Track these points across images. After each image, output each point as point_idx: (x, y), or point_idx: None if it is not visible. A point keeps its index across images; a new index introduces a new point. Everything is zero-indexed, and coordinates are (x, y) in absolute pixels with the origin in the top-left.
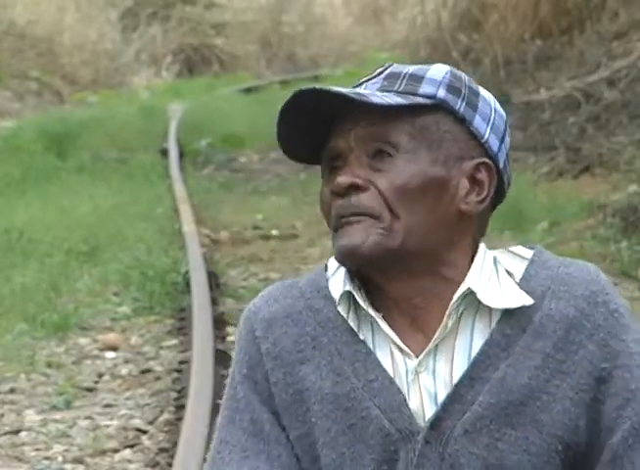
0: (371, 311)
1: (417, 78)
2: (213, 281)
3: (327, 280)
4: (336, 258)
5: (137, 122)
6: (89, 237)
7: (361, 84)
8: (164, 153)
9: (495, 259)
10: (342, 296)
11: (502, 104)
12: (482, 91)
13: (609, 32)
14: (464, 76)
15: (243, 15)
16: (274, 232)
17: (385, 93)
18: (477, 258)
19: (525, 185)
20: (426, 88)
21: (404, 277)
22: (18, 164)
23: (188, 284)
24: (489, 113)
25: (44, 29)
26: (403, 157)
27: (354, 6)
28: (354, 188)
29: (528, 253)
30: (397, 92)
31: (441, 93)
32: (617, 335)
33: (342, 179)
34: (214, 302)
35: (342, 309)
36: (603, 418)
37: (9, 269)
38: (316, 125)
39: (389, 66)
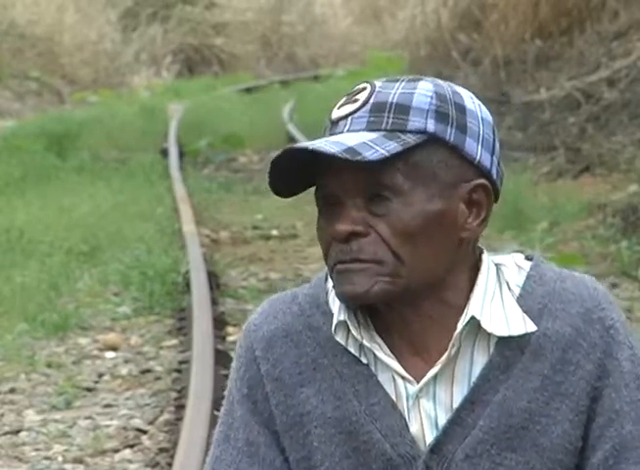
0: (366, 343)
1: (403, 110)
2: (213, 281)
3: (327, 293)
4: (337, 296)
5: (137, 122)
6: (89, 237)
7: (346, 117)
8: (164, 153)
9: (498, 271)
10: (338, 325)
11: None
12: (467, 100)
13: (609, 32)
14: (448, 93)
15: (243, 15)
16: (274, 232)
17: (373, 134)
18: (480, 279)
19: (525, 185)
20: (414, 122)
21: (405, 306)
22: (18, 165)
23: (188, 284)
24: (478, 128)
25: (44, 29)
26: (401, 199)
27: (354, 6)
28: (354, 235)
29: (527, 264)
30: (386, 130)
31: (430, 126)
32: (612, 353)
33: (342, 227)
34: (214, 302)
35: (339, 338)
36: (588, 436)
37: (9, 269)
38: (304, 163)
39: (372, 90)
